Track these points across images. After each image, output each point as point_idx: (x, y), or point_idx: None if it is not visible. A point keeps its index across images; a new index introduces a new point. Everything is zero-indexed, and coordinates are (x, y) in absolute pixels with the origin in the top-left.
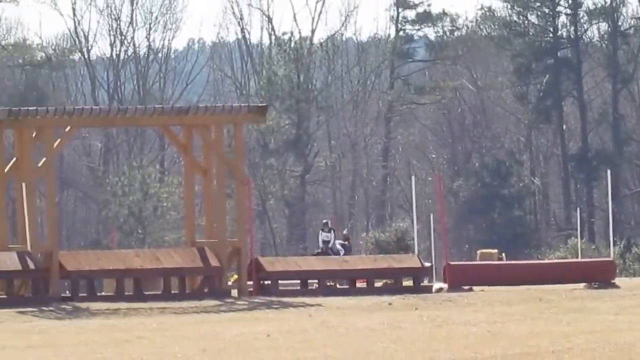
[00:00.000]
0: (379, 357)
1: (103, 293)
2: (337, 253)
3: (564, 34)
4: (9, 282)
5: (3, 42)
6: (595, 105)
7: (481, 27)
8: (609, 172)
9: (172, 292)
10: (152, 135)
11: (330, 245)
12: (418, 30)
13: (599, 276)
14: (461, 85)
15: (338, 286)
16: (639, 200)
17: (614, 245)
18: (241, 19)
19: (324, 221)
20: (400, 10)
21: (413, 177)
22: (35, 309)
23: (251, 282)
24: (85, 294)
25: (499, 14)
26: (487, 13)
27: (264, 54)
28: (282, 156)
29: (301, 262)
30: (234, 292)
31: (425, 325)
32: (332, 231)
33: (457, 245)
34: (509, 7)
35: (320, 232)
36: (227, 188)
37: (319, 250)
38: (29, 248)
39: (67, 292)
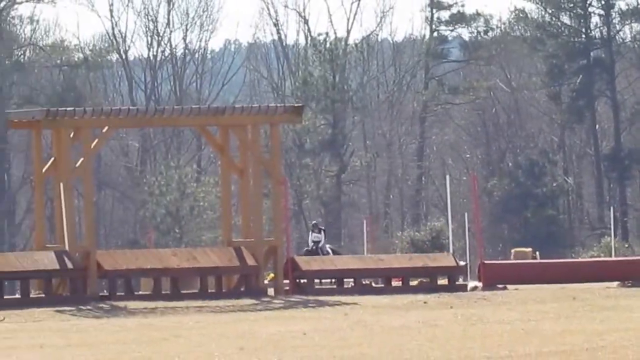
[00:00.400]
0: (414, 355)
1: (140, 292)
2: (326, 254)
3: (597, 35)
4: (47, 282)
5: (41, 43)
6: (628, 105)
7: (514, 28)
8: None
9: (209, 291)
10: (189, 136)
11: (320, 245)
12: (452, 30)
13: (632, 274)
14: (495, 86)
15: (373, 285)
16: None
17: None
18: (277, 20)
19: (314, 222)
20: (434, 11)
21: (448, 177)
22: (73, 308)
23: (287, 281)
24: (122, 293)
25: (531, 16)
26: (520, 15)
27: (300, 55)
28: (317, 156)
29: (337, 261)
30: (271, 291)
31: (460, 324)
32: (323, 232)
33: (491, 244)
34: (542, 8)
35: (310, 232)
36: (264, 188)
37: (309, 249)
38: (66, 247)
39: (105, 291)
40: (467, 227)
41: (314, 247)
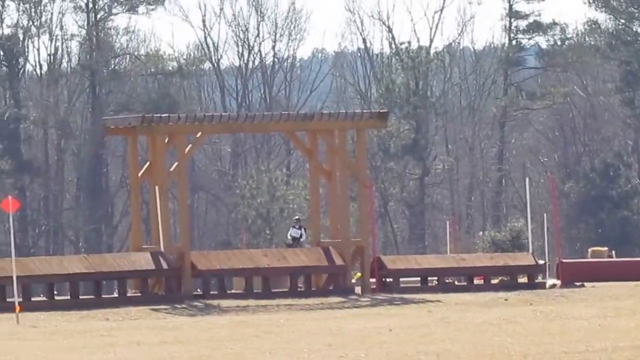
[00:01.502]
0: (496, 351)
1: (233, 291)
2: None
3: None
4: (144, 281)
5: (136, 53)
6: None
7: (588, 37)
8: None
9: (299, 289)
10: (278, 141)
11: (301, 241)
12: (529, 39)
13: None
14: (572, 91)
15: (456, 283)
16: None
17: None
18: (362, 29)
19: (296, 217)
20: (512, 20)
21: (527, 179)
22: (168, 306)
23: (374, 280)
24: (215, 292)
25: (605, 26)
26: (593, 25)
27: (384, 63)
28: (401, 160)
29: (421, 260)
30: (358, 289)
31: (539, 320)
32: (303, 228)
33: (569, 244)
34: (614, 18)
35: (291, 228)
36: (350, 190)
37: (289, 243)
38: (162, 248)
39: (199, 290)
40: (545, 227)
41: (294, 244)
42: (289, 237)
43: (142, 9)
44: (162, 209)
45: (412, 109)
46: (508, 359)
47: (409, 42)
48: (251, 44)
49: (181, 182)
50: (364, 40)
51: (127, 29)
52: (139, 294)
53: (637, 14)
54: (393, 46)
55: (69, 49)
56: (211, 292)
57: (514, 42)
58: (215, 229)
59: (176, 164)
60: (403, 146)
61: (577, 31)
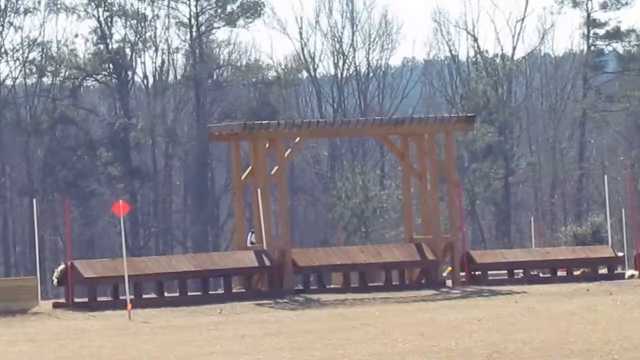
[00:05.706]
0: (578, 338)
1: (331, 285)
2: None
3: None
4: (248, 278)
5: (238, 64)
6: None
7: None
8: None
9: (393, 283)
10: (372, 144)
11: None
12: (607, 45)
13: None
14: None
15: (541, 275)
16: None
17: None
18: (449, 38)
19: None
20: (590, 28)
21: (606, 177)
22: (271, 301)
23: (463, 273)
24: (315, 287)
25: None
26: None
27: (469, 70)
28: (487, 161)
29: (507, 254)
30: (449, 282)
31: (619, 309)
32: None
33: None
34: None
35: (250, 234)
36: (440, 190)
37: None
38: (264, 247)
39: (300, 285)
40: (624, 221)
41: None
42: (248, 243)
43: (241, 22)
44: (264, 210)
45: (497, 113)
46: (590, 346)
47: (494, 52)
48: (346, 54)
49: (281, 185)
50: (451, 49)
51: (228, 42)
52: (244, 290)
53: None
54: (478, 54)
55: (174, 62)
56: (311, 287)
57: (592, 49)
58: (314, 227)
59: (276, 167)
60: (488, 148)
61: None
